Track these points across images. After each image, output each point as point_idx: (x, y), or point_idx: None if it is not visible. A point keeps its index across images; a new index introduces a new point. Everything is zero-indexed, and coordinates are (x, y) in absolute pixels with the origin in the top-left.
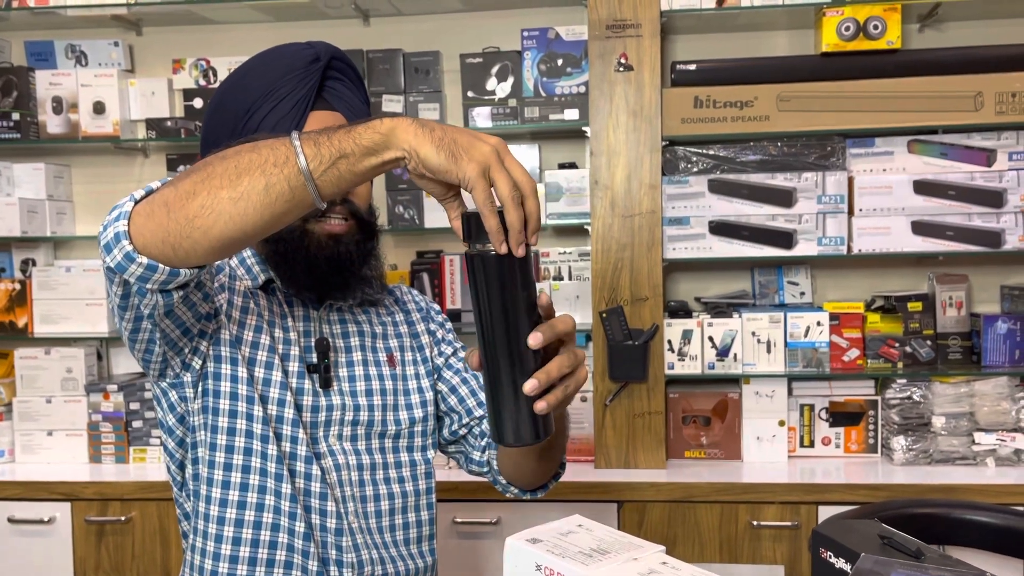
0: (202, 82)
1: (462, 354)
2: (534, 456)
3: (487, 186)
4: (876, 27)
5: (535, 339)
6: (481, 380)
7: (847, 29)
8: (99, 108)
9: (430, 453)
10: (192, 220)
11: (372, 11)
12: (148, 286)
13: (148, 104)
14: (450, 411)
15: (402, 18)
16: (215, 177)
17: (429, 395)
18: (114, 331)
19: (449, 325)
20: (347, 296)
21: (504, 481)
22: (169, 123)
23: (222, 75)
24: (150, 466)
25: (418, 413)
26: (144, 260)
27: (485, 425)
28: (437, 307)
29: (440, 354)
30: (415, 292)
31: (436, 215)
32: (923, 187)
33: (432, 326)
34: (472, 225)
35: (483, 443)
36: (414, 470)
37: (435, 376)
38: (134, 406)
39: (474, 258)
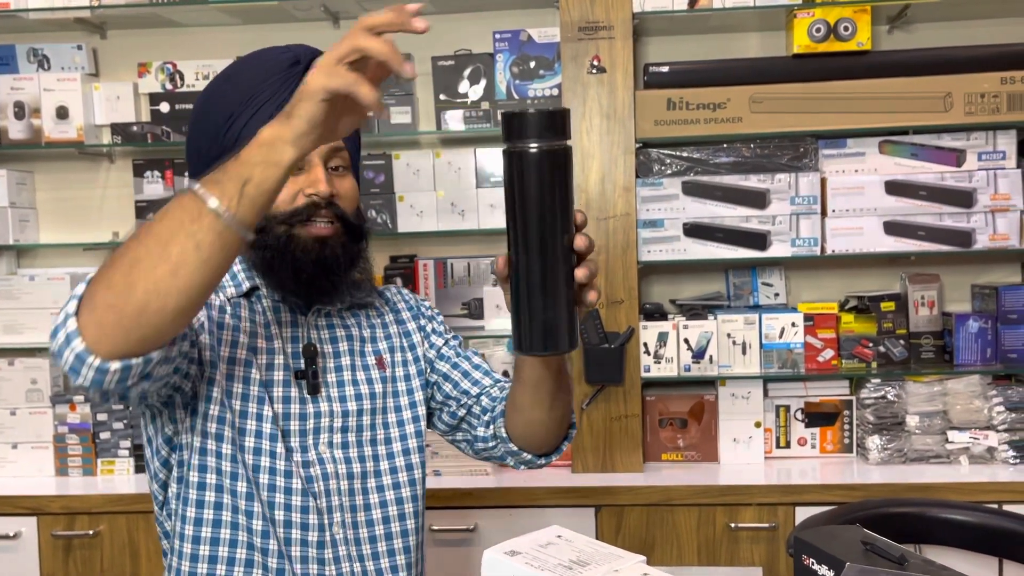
0: (168, 86)
1: (454, 343)
2: (546, 402)
3: (341, 55)
4: (846, 28)
5: (582, 241)
6: (467, 367)
7: (818, 31)
8: (62, 113)
9: (424, 455)
10: (144, 309)
11: (342, 13)
12: (129, 383)
13: (113, 109)
14: (446, 399)
15: None
16: (143, 260)
17: (419, 395)
18: None
19: (440, 317)
20: (334, 300)
21: (515, 448)
22: (135, 128)
23: (189, 79)
24: (118, 478)
25: (407, 414)
26: (116, 365)
27: (485, 401)
28: (427, 302)
29: (431, 347)
30: (406, 292)
31: (409, 220)
32: (894, 187)
33: (422, 321)
34: (512, 123)
35: (486, 418)
36: (410, 474)
37: (428, 370)
38: (101, 417)
39: (512, 156)
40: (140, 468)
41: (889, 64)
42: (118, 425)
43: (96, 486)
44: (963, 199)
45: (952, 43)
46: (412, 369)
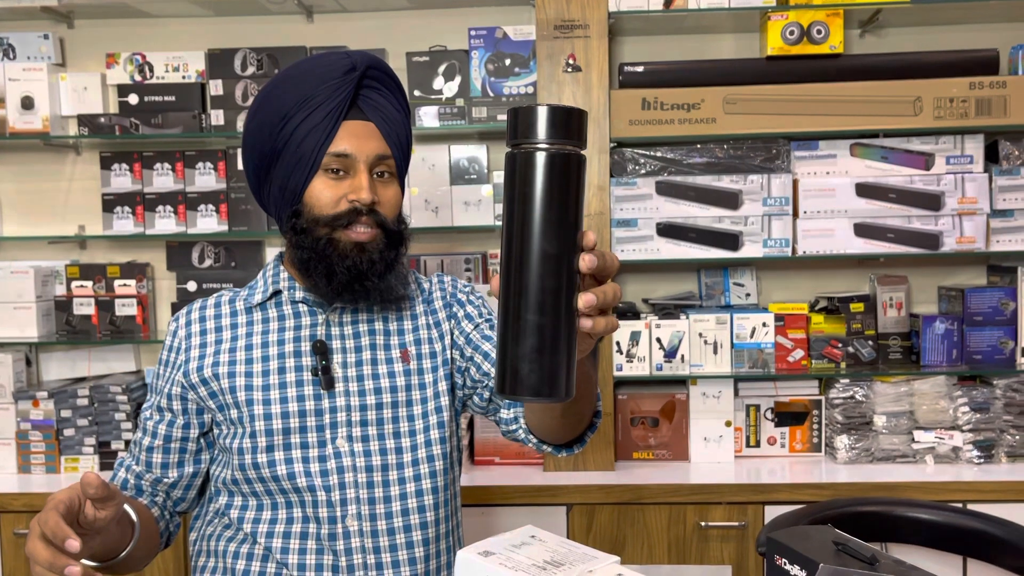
0: (137, 77)
1: (484, 325)
2: (556, 410)
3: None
4: (819, 32)
5: (588, 262)
6: (487, 348)
7: (791, 33)
8: (28, 103)
9: (449, 447)
10: None
11: (316, 7)
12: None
13: (80, 99)
14: (475, 383)
15: (347, 15)
16: None
17: (443, 385)
18: (43, 336)
19: (478, 300)
20: (359, 301)
21: (535, 439)
22: (102, 119)
23: (159, 70)
24: None
25: (431, 406)
26: None
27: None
28: (467, 286)
29: (461, 333)
30: (446, 279)
31: None
32: (865, 190)
33: (454, 308)
34: (520, 119)
35: (508, 400)
36: (431, 465)
37: (459, 356)
38: (65, 414)
39: (516, 158)
40: (105, 465)
41: (861, 68)
42: (82, 422)
43: (60, 484)
44: (931, 202)
45: (922, 48)
46: (439, 360)
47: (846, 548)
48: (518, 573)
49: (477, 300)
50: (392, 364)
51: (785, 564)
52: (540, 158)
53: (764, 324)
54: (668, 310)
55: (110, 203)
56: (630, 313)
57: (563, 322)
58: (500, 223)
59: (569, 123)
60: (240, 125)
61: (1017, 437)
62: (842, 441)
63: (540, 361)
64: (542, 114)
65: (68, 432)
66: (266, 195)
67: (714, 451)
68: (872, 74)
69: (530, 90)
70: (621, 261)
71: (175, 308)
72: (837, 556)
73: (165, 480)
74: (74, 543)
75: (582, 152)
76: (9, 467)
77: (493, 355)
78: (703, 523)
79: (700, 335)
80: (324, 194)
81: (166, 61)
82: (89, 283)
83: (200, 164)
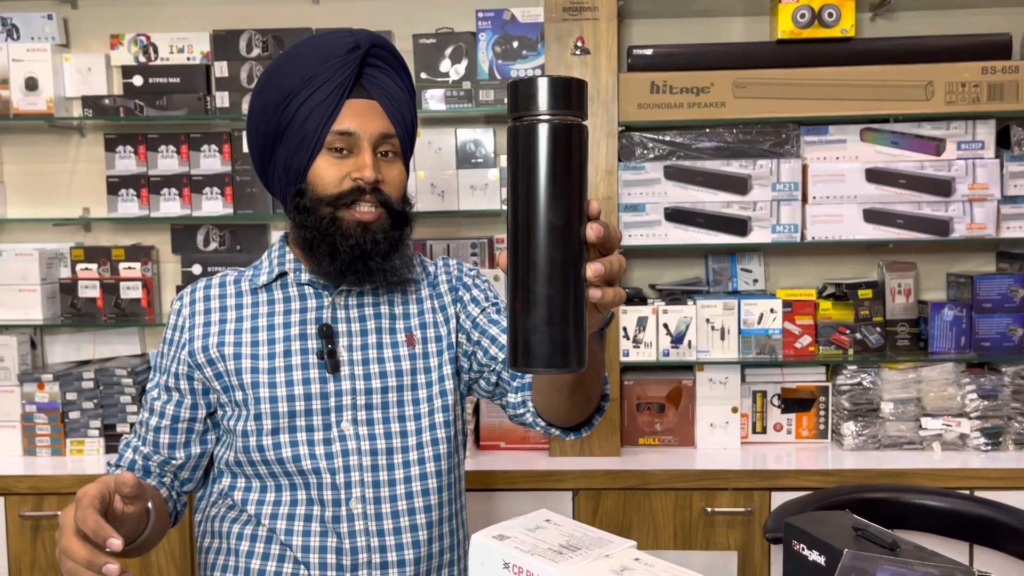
0: (142, 59)
1: (491, 310)
2: (565, 392)
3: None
4: (831, 15)
5: (596, 231)
6: (494, 332)
7: (802, 16)
8: (32, 84)
9: (453, 431)
10: None
11: None
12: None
13: (84, 81)
14: (481, 367)
15: None
16: None
17: (448, 369)
18: (48, 318)
19: (485, 284)
20: (364, 283)
21: (543, 422)
22: (107, 101)
23: (163, 52)
24: (88, 459)
25: (436, 389)
26: None
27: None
28: (473, 270)
29: (468, 316)
30: (452, 262)
31: None
32: (875, 175)
33: (460, 292)
34: (521, 91)
35: (516, 384)
36: (435, 449)
37: (465, 340)
38: (71, 396)
39: (519, 130)
40: (110, 448)
41: (872, 52)
42: (88, 405)
43: (65, 466)
44: (942, 188)
45: (934, 32)
46: (444, 344)
47: (866, 534)
48: (534, 557)
49: (483, 284)
50: (397, 348)
51: (803, 550)
52: (542, 129)
53: (772, 310)
54: (675, 296)
55: (115, 185)
56: (637, 298)
57: (572, 292)
58: (506, 207)
59: (569, 93)
60: (245, 107)
61: None
62: (849, 428)
63: (551, 332)
64: (542, 85)
65: (73, 415)
66: (270, 175)
67: (720, 437)
68: (883, 58)
69: (538, 73)
70: (628, 246)
71: (180, 291)
72: (857, 542)
73: (173, 461)
74: (116, 542)
75: (584, 122)
76: (14, 449)
77: (500, 339)
78: (709, 509)
79: (707, 321)
80: (328, 173)
81: (171, 42)
82: (94, 266)
83: (205, 147)
